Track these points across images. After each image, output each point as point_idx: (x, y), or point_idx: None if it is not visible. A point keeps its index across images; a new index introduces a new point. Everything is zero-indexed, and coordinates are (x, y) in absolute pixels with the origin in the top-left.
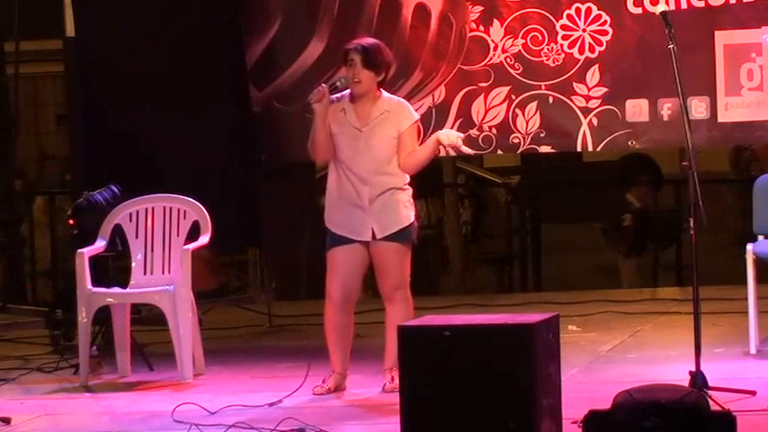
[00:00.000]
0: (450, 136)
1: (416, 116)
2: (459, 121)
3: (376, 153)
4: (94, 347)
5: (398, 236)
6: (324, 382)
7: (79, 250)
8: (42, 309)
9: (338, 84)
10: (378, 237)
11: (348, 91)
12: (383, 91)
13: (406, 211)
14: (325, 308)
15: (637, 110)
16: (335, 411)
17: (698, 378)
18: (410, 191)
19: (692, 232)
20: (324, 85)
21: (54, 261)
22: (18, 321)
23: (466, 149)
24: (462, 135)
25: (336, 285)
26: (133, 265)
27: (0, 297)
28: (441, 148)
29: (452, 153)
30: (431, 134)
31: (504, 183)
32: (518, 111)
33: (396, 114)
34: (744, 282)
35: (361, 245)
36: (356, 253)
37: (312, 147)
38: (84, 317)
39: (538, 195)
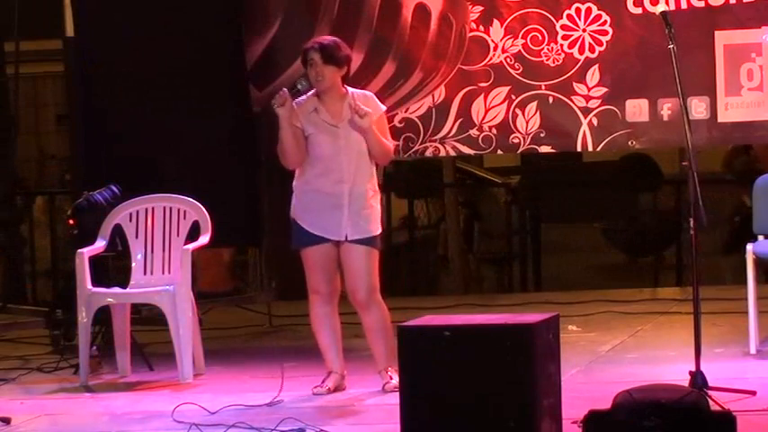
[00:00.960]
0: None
1: (383, 107)
2: (460, 121)
3: (358, 149)
4: (94, 347)
5: (370, 240)
6: (323, 382)
7: (79, 250)
8: (42, 309)
9: (299, 86)
10: (350, 238)
11: (312, 91)
12: (349, 87)
13: (377, 220)
14: (311, 306)
15: (637, 110)
16: (335, 411)
17: (698, 378)
18: (379, 195)
19: (692, 232)
20: (284, 89)
21: (54, 261)
22: (18, 321)
23: (364, 109)
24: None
25: (320, 279)
26: (133, 265)
27: (0, 297)
28: (441, 147)
29: (452, 152)
30: (431, 134)
31: (504, 183)
32: (518, 111)
33: (365, 109)
34: (744, 282)
35: (331, 244)
36: (330, 250)
37: (282, 152)
38: (84, 317)
39: (538, 195)
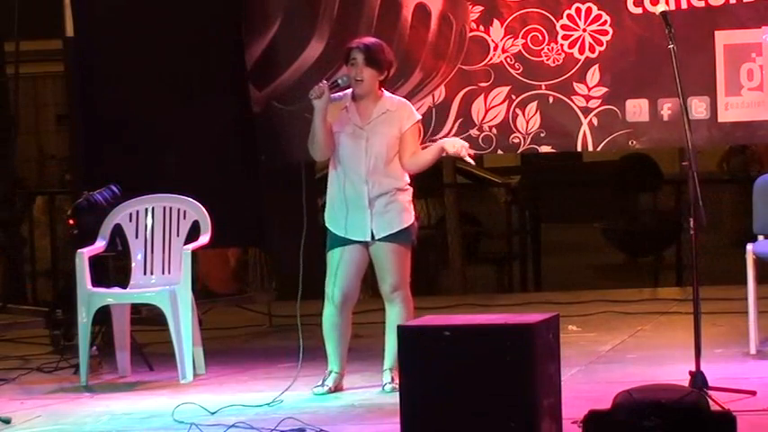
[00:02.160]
0: (455, 144)
1: (418, 116)
2: (460, 121)
3: (377, 152)
4: (94, 347)
5: (397, 236)
6: (323, 382)
7: (79, 250)
8: (42, 309)
9: (339, 81)
10: (376, 237)
11: (350, 90)
12: (385, 90)
13: (405, 213)
14: (324, 308)
15: (637, 110)
16: (335, 411)
17: (698, 378)
18: (410, 191)
19: (692, 232)
20: (324, 81)
21: (54, 261)
22: (18, 321)
23: (469, 160)
24: (467, 145)
25: (336, 286)
26: (133, 265)
27: (0, 297)
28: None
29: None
30: (431, 134)
31: (504, 183)
32: (518, 111)
33: (398, 114)
34: (744, 282)
35: (360, 245)
36: (355, 253)
37: (312, 144)
38: (84, 317)
39: (538, 195)
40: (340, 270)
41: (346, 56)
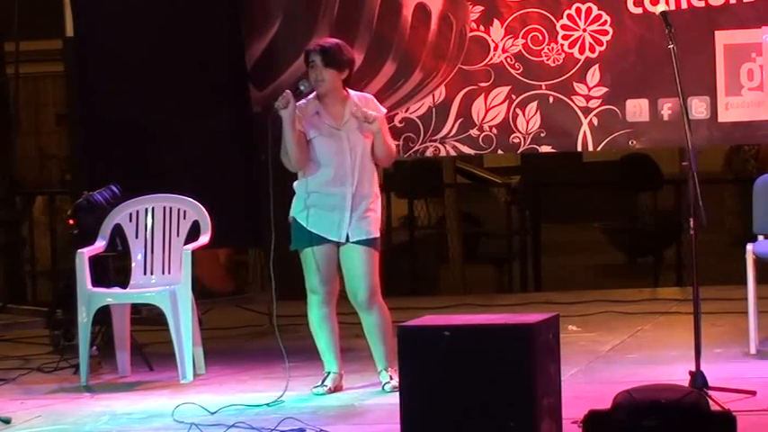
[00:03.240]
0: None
1: (383, 109)
2: (460, 121)
3: (360, 149)
4: (94, 347)
5: (371, 242)
6: (323, 382)
7: (79, 250)
8: (42, 309)
9: (302, 87)
10: (351, 240)
11: (314, 93)
12: (349, 90)
13: (376, 223)
14: (309, 307)
15: (637, 110)
16: (335, 411)
17: (698, 378)
18: (380, 197)
19: (691, 232)
20: (288, 91)
21: (54, 261)
22: (18, 321)
23: (371, 114)
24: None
25: (319, 280)
26: (133, 265)
27: (0, 297)
28: (441, 147)
29: (452, 152)
30: (431, 134)
31: (504, 183)
32: (518, 111)
33: (364, 111)
34: (744, 282)
35: (330, 244)
36: (329, 252)
37: (285, 155)
38: (84, 317)
39: (538, 195)
40: (320, 266)
41: (305, 59)
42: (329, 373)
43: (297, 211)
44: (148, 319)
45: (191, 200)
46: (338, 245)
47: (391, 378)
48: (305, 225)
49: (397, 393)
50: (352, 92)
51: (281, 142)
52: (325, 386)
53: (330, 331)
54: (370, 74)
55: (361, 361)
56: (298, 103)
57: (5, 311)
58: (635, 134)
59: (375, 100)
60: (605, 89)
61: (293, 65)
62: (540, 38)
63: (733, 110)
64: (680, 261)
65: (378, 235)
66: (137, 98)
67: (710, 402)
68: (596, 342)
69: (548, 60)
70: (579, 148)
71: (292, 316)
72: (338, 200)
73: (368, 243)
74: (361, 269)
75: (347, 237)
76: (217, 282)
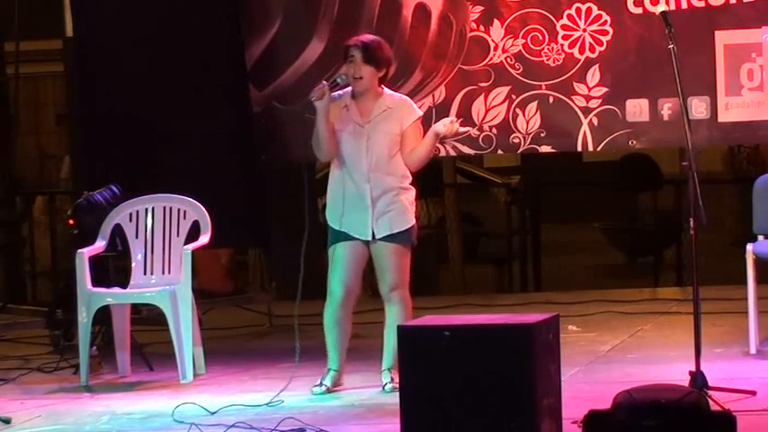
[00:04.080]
0: (445, 123)
1: (419, 112)
2: (460, 120)
3: (378, 150)
4: (94, 347)
5: (398, 237)
6: (321, 381)
7: (79, 250)
8: (42, 309)
9: (339, 80)
10: (377, 237)
11: (350, 88)
12: (385, 88)
13: (407, 214)
14: (325, 304)
15: (637, 110)
16: (335, 411)
17: (698, 378)
18: (413, 191)
19: (691, 232)
20: (324, 82)
21: (54, 261)
22: (18, 321)
23: (461, 128)
24: (454, 118)
25: (337, 281)
26: (133, 265)
27: (0, 297)
28: (441, 147)
29: (452, 152)
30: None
31: (504, 183)
32: (518, 111)
33: (398, 111)
34: (744, 282)
35: (361, 243)
36: (356, 250)
37: (316, 145)
38: (84, 317)
39: (538, 195)
40: (341, 265)
41: (345, 53)
42: (330, 370)
43: (329, 214)
44: (148, 319)
45: (191, 200)
46: (367, 243)
47: (392, 379)
48: (333, 225)
49: (397, 393)
50: (388, 91)
51: (280, 141)
52: (324, 385)
53: (340, 332)
54: None
55: (361, 361)
56: (333, 94)
57: (5, 311)
58: (635, 134)
59: (412, 102)
60: (605, 89)
61: (293, 65)
62: (540, 38)
63: (733, 110)
64: (680, 261)
65: (404, 228)
66: (137, 98)
67: (710, 402)
68: (596, 342)
69: (548, 60)
70: (579, 148)
71: (292, 316)
72: (359, 198)
73: (392, 239)
74: (386, 264)
75: (373, 234)
76: (217, 283)
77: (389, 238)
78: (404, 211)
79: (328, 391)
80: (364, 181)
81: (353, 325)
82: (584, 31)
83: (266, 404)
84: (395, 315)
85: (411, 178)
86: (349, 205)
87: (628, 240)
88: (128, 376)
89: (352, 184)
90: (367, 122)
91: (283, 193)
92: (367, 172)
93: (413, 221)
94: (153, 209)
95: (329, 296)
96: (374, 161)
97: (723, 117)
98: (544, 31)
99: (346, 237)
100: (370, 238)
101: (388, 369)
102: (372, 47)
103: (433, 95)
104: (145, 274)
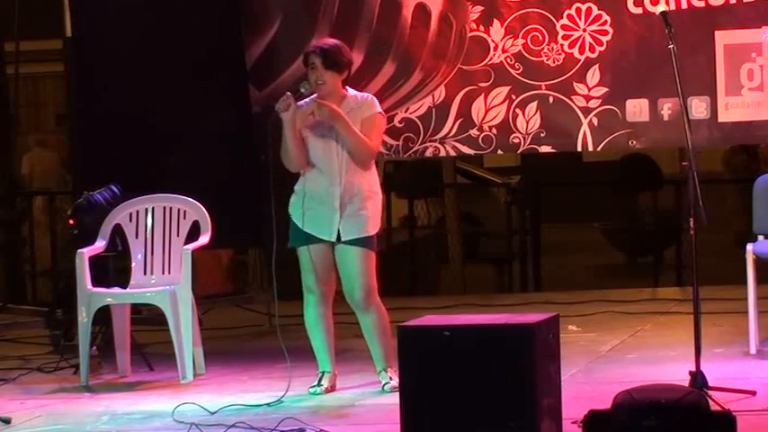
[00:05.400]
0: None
1: (378, 108)
2: (460, 121)
3: (348, 151)
4: (94, 347)
5: (363, 241)
6: (319, 382)
7: (79, 250)
8: (42, 309)
9: (302, 90)
10: (343, 239)
11: (315, 95)
12: (349, 88)
13: (372, 221)
14: (305, 305)
15: (637, 110)
16: (335, 411)
17: (698, 378)
18: (380, 196)
19: (692, 232)
20: (288, 93)
21: (54, 261)
22: (18, 321)
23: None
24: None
25: (314, 279)
26: (133, 265)
27: (0, 297)
28: (441, 147)
29: (452, 152)
30: (431, 134)
31: (504, 183)
32: (518, 111)
33: (360, 109)
34: (744, 282)
35: (325, 244)
36: (325, 250)
37: (285, 156)
38: (84, 317)
39: (538, 195)
40: (312, 266)
41: (305, 60)
42: (323, 372)
43: (293, 210)
44: (148, 319)
45: (191, 200)
46: (333, 245)
47: (391, 378)
48: (300, 225)
49: (397, 393)
50: (352, 91)
51: (281, 142)
52: (322, 385)
53: (325, 331)
54: (369, 74)
55: (360, 361)
56: (299, 103)
57: (5, 311)
58: (635, 134)
59: (375, 99)
60: (605, 89)
61: (293, 65)
62: (540, 38)
63: (733, 110)
64: (680, 261)
65: (372, 233)
66: (137, 98)
67: (710, 402)
68: (596, 342)
69: (548, 60)
70: (579, 148)
71: (292, 316)
72: (328, 199)
73: (360, 242)
74: (354, 269)
75: (339, 236)
76: (216, 285)
77: (356, 241)
78: (371, 217)
79: (326, 391)
80: (336, 183)
81: (352, 325)
82: (584, 31)
83: (266, 404)
84: (373, 323)
85: (378, 182)
86: (317, 207)
87: (628, 240)
88: (128, 376)
89: (322, 187)
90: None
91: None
92: (338, 174)
93: (377, 229)
94: (153, 209)
95: (308, 296)
96: (345, 163)
97: (723, 117)
98: (544, 31)
99: (312, 238)
100: (333, 240)
101: (384, 369)
102: (332, 52)
103: (433, 95)
104: (145, 274)
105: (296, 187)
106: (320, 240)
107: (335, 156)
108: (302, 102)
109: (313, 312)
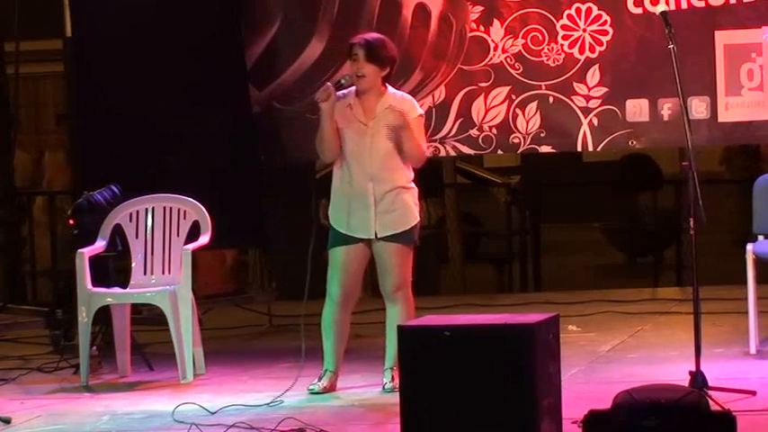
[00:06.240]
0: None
1: (420, 111)
2: (460, 121)
3: (381, 147)
4: (94, 347)
5: (400, 236)
6: (318, 380)
7: (79, 250)
8: (42, 309)
9: (343, 81)
10: (379, 236)
11: (353, 87)
12: (389, 86)
13: (409, 213)
14: (325, 307)
15: (637, 110)
16: (335, 411)
17: (698, 378)
18: (415, 190)
19: (692, 232)
20: (329, 83)
21: (54, 261)
22: (18, 321)
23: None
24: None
25: (337, 284)
26: (133, 265)
27: (0, 297)
28: (441, 147)
29: (452, 152)
30: (431, 134)
31: (504, 183)
32: (518, 111)
33: (400, 109)
34: (744, 282)
35: (362, 243)
36: (357, 251)
37: (320, 145)
38: (84, 317)
39: (538, 195)
40: (341, 268)
41: (348, 51)
42: (326, 371)
43: (334, 215)
44: (148, 319)
45: (191, 200)
46: (369, 242)
47: (393, 378)
48: (335, 226)
49: (397, 393)
50: (391, 89)
51: (280, 141)
52: (321, 384)
53: (337, 335)
54: None
55: (361, 361)
56: (337, 94)
57: (5, 311)
58: (635, 134)
59: (414, 100)
60: (605, 89)
61: (293, 65)
62: (540, 38)
63: (733, 110)
64: (680, 261)
65: (409, 226)
66: (137, 98)
67: (710, 402)
68: (596, 342)
69: (548, 60)
70: (579, 148)
71: (292, 316)
72: (362, 197)
73: (395, 239)
74: (388, 264)
75: (376, 234)
76: (216, 285)
77: (392, 237)
78: (407, 210)
79: (325, 390)
80: (367, 179)
81: (354, 325)
82: (584, 31)
83: (266, 404)
84: (397, 314)
85: (412, 176)
86: (351, 205)
87: (628, 240)
88: (128, 376)
89: (355, 184)
90: (370, 120)
91: (283, 193)
92: (369, 171)
93: (416, 220)
94: (153, 209)
95: (328, 298)
96: (377, 159)
97: (723, 117)
98: (544, 31)
99: (348, 239)
100: (372, 237)
101: (390, 368)
102: (376, 45)
103: (433, 95)
104: (145, 274)
105: (333, 191)
106: (358, 240)
107: (367, 152)
108: (340, 93)
109: (329, 317)
